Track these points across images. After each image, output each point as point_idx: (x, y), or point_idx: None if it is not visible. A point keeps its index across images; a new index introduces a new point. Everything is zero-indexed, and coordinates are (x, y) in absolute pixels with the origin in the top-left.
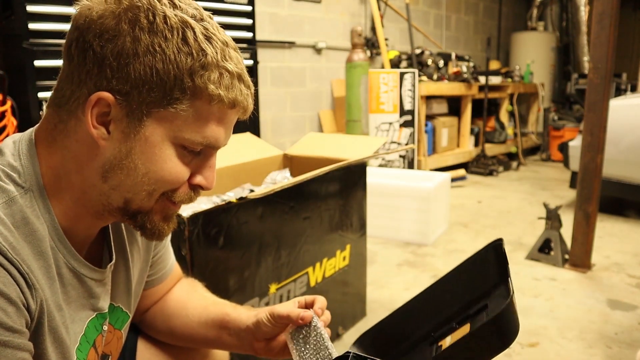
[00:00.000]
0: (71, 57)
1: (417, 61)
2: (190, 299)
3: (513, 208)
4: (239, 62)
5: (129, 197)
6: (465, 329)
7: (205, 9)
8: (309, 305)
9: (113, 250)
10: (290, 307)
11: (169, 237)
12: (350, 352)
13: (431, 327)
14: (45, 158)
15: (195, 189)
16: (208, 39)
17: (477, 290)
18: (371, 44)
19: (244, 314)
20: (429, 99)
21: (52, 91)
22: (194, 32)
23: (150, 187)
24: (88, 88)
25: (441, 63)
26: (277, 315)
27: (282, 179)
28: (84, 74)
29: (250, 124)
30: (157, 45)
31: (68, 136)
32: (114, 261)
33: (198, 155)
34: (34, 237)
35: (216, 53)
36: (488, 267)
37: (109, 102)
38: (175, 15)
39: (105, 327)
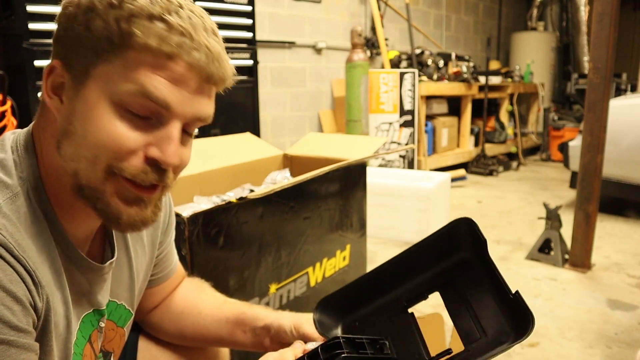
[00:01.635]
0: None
1: (417, 61)
2: (202, 298)
3: (513, 208)
4: (193, 25)
5: (75, 167)
6: (435, 297)
7: (206, 9)
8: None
9: (115, 247)
10: (315, 330)
11: (173, 235)
12: (339, 338)
13: (400, 293)
14: (38, 149)
15: (154, 165)
16: None
17: (445, 261)
18: (371, 44)
19: (262, 312)
20: (429, 99)
21: None
22: None
23: (89, 152)
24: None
25: (441, 63)
26: (304, 333)
27: (282, 179)
28: (52, 53)
29: (250, 124)
30: (93, 3)
31: (44, 119)
32: (115, 258)
33: (154, 124)
34: (35, 231)
35: (152, 4)
36: (458, 240)
37: (59, 70)
38: None
39: (102, 324)
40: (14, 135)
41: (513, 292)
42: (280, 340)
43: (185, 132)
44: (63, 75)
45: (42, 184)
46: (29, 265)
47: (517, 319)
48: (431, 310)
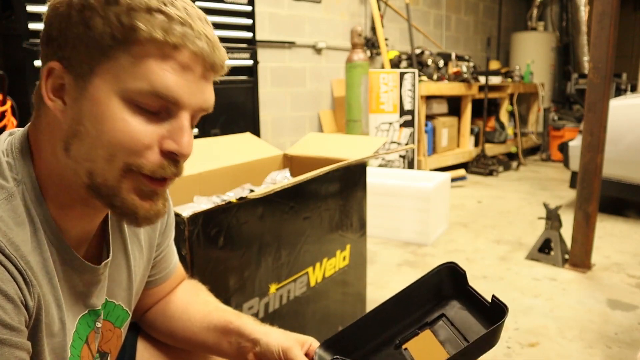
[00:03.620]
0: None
1: (417, 61)
2: (193, 303)
3: (513, 208)
4: (190, 15)
5: (90, 167)
6: (427, 333)
7: (206, 9)
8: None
9: (111, 248)
10: (303, 357)
11: (172, 236)
12: (338, 357)
13: (393, 333)
14: (35, 151)
15: (170, 158)
16: None
17: (432, 302)
18: (371, 44)
19: (249, 325)
20: (429, 99)
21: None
22: None
23: (105, 151)
24: (45, 65)
25: (441, 63)
26: (292, 359)
27: (282, 179)
28: (43, 55)
29: (250, 124)
30: (87, 1)
31: (41, 122)
32: (110, 258)
33: (164, 118)
34: (28, 232)
35: None
36: (442, 283)
37: (58, 71)
38: None
39: (99, 325)
40: (10, 137)
41: (489, 299)
42: (265, 358)
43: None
44: (63, 76)
45: (39, 186)
46: (21, 264)
47: (496, 314)
48: None
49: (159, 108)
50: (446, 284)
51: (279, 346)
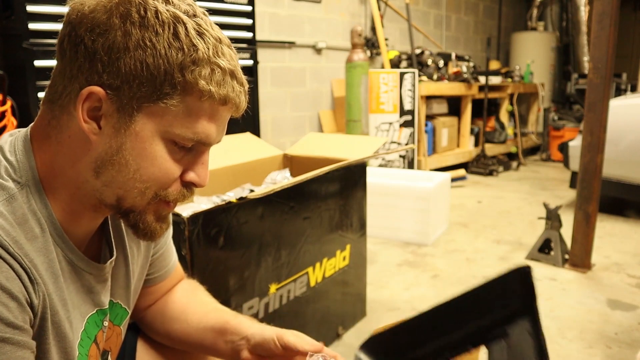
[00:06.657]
0: (64, 52)
1: (417, 61)
2: (190, 304)
3: (513, 208)
4: (232, 58)
5: (121, 194)
6: (479, 351)
7: (206, 9)
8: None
9: (113, 246)
10: (299, 340)
11: (170, 234)
12: None
13: (443, 343)
14: (40, 154)
15: (188, 187)
16: (200, 34)
17: (496, 315)
18: (371, 44)
19: (245, 322)
20: (429, 99)
21: (47, 88)
22: (186, 28)
23: (142, 184)
24: (79, 83)
25: (441, 63)
26: (286, 343)
27: (282, 179)
28: (76, 69)
29: (250, 124)
30: (147, 39)
31: (61, 132)
32: (114, 257)
33: (190, 151)
34: (33, 233)
35: (208, 49)
36: (511, 292)
37: (99, 97)
38: (167, 10)
39: (106, 323)
40: (12, 138)
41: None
42: (262, 352)
43: None
44: (104, 103)
45: (42, 186)
46: (25, 262)
47: None
48: None
49: (192, 146)
50: (516, 295)
51: (273, 334)
